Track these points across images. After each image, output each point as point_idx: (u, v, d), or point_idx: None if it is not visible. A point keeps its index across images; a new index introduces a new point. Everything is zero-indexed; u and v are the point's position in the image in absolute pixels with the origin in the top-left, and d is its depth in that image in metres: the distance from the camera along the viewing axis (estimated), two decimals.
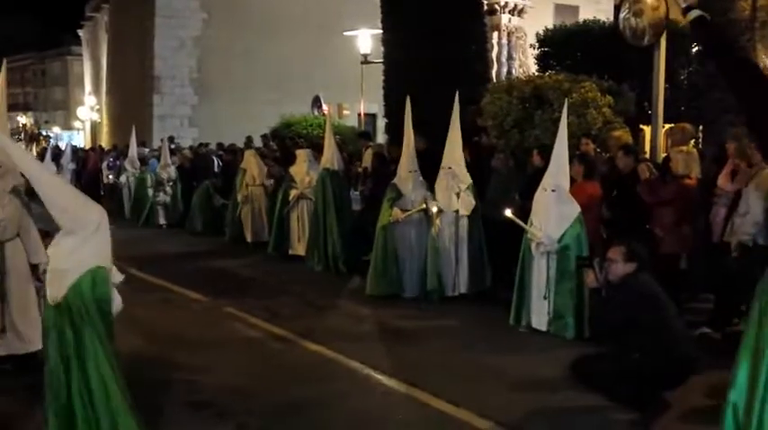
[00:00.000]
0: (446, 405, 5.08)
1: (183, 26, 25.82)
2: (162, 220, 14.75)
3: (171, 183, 14.67)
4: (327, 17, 24.53)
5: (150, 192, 15.17)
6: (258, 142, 15.41)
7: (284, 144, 13.42)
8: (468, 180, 8.21)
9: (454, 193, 8.10)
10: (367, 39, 17.93)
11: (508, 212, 6.90)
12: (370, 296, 8.23)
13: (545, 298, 6.83)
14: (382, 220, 8.26)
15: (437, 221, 8.01)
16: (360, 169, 10.60)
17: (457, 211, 8.10)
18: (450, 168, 8.11)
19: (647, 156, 8.80)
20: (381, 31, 13.85)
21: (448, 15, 12.21)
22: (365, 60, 17.82)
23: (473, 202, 8.20)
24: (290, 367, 6.03)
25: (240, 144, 15.35)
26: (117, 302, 3.89)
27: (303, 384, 5.58)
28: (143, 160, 16.56)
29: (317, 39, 24.89)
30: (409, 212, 8.19)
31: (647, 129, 10.03)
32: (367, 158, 10.57)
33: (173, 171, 14.79)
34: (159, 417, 4.84)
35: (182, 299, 8.57)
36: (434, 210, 7.97)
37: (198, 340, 6.77)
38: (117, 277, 3.94)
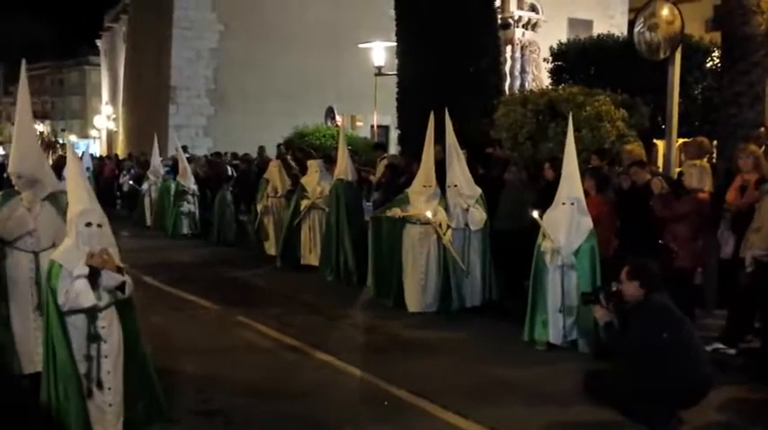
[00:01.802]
0: (455, 417, 5.06)
1: (200, 38, 26.08)
2: (186, 230, 14.58)
3: (192, 193, 14.53)
4: (343, 29, 24.70)
5: (172, 200, 15.00)
6: (271, 152, 15.47)
7: (295, 155, 13.46)
8: (477, 191, 8.22)
9: (462, 209, 8.12)
10: (381, 51, 18.03)
11: (535, 214, 6.86)
12: (385, 307, 8.21)
13: (560, 311, 6.78)
14: (380, 214, 8.40)
15: (447, 234, 8.01)
16: (372, 178, 10.63)
17: (466, 226, 8.11)
18: (455, 186, 8.16)
19: (660, 170, 8.77)
20: (395, 44, 13.92)
21: (462, 28, 12.27)
22: (379, 72, 17.90)
23: (483, 216, 8.20)
24: (299, 377, 6.02)
25: (254, 154, 15.44)
26: (81, 297, 4.03)
27: (313, 394, 5.58)
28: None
29: (332, 50, 25.05)
30: (408, 214, 8.18)
31: (660, 144, 10.01)
32: (381, 169, 10.60)
33: (192, 180, 14.66)
34: (169, 425, 4.86)
35: (194, 307, 8.59)
36: (428, 214, 7.95)
37: (209, 348, 6.79)
38: (110, 281, 4.10)
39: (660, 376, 4.78)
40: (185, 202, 14.51)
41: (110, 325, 4.18)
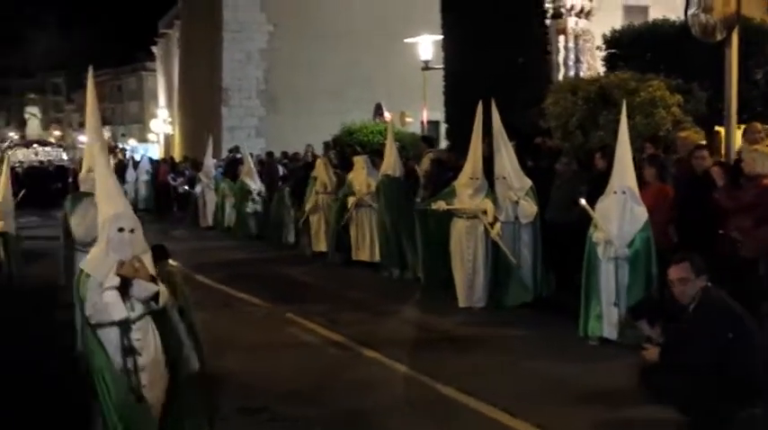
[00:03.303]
0: (503, 415, 4.93)
1: (250, 39, 26.35)
2: (253, 230, 14.34)
3: (258, 192, 14.30)
4: (391, 24, 24.56)
5: (230, 201, 15.02)
6: (320, 151, 15.49)
7: (343, 152, 13.42)
8: (528, 183, 8.02)
9: (511, 202, 7.94)
10: (428, 45, 17.84)
11: (583, 201, 6.65)
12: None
13: (615, 305, 6.53)
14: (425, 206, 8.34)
15: (496, 228, 7.84)
16: (418, 168, 10.52)
17: (516, 219, 7.92)
18: (504, 178, 7.99)
19: (723, 158, 8.38)
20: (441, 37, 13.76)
21: (509, 18, 12.01)
22: (426, 66, 17.72)
23: (533, 208, 8.00)
24: (346, 374, 5.98)
25: (303, 153, 15.48)
26: (111, 309, 3.77)
27: (358, 391, 5.52)
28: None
29: (381, 46, 24.96)
30: (454, 207, 8.05)
31: (723, 131, 9.57)
32: (425, 163, 10.49)
33: (258, 180, 14.44)
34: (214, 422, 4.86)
35: (243, 304, 8.67)
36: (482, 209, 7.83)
37: (256, 345, 6.81)
38: (142, 292, 3.81)
39: (720, 375, 4.52)
40: (251, 202, 14.34)
41: (145, 336, 3.86)
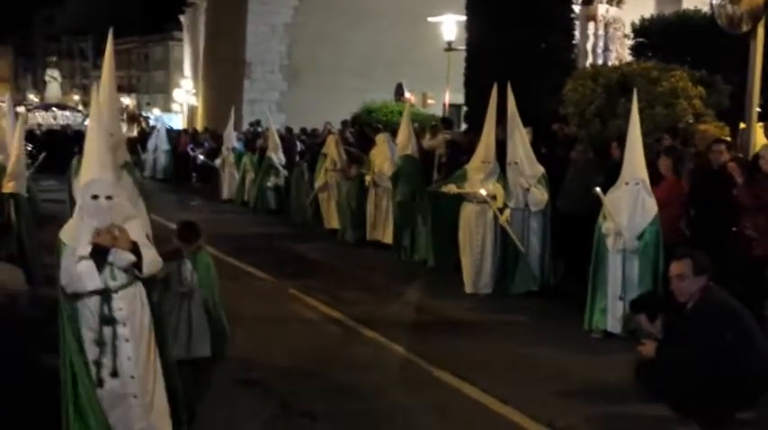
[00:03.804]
0: (494, 401, 4.90)
1: (276, 13, 26.24)
2: (273, 204, 14.15)
3: (283, 165, 14.01)
4: (417, 3, 24.28)
5: (250, 175, 14.88)
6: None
7: (362, 130, 13.33)
8: (540, 171, 7.91)
9: (522, 189, 7.84)
10: (452, 25, 17.58)
11: (598, 190, 6.53)
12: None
13: (620, 299, 6.44)
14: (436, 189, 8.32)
15: (506, 214, 7.75)
16: (426, 142, 10.40)
17: (526, 206, 7.83)
18: (516, 163, 7.88)
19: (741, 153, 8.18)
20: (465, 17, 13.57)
21: (533, 1, 11.80)
22: (449, 47, 17.50)
23: (544, 197, 7.89)
24: (342, 352, 5.98)
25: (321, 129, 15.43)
26: (85, 279, 3.63)
27: (353, 369, 5.52)
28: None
29: (405, 26, 24.72)
30: (464, 190, 7.96)
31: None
32: (439, 141, 10.38)
33: (282, 155, 14.15)
34: (208, 392, 4.90)
35: (250, 278, 8.68)
36: (483, 193, 7.72)
37: (257, 319, 6.81)
38: (120, 260, 3.65)
39: (718, 375, 4.42)
40: (273, 177, 14.11)
41: (129, 306, 3.68)
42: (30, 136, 18.63)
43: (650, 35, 13.00)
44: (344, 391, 5.08)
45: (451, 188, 8.07)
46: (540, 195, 7.89)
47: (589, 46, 25.89)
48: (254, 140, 16.87)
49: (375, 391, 5.09)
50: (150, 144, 21.60)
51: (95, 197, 3.67)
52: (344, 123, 15.07)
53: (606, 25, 26.16)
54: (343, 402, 4.92)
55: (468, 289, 7.96)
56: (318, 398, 4.97)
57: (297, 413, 4.75)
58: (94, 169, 3.72)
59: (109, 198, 3.68)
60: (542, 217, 7.97)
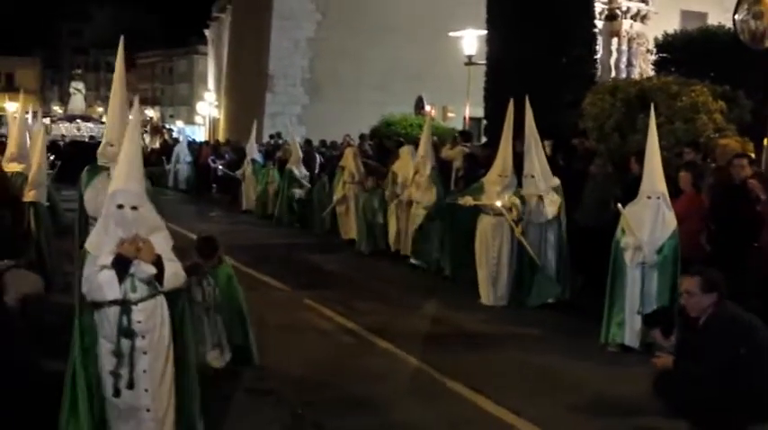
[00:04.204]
0: (507, 414, 4.85)
1: (299, 27, 26.50)
2: (296, 217, 14.06)
3: (306, 179, 14.00)
4: (438, 18, 24.39)
5: (273, 187, 14.84)
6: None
7: (381, 143, 13.36)
8: (555, 182, 7.89)
9: (536, 199, 7.83)
10: (473, 39, 17.62)
11: (619, 205, 6.49)
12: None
13: (639, 313, 6.36)
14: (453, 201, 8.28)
15: (521, 227, 7.73)
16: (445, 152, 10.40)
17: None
18: (532, 176, 7.88)
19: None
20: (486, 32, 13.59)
21: (555, 16, 11.78)
22: (469, 61, 17.52)
23: (555, 208, 7.86)
24: (355, 362, 5.97)
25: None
26: (105, 289, 3.61)
27: (366, 380, 5.50)
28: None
29: (425, 40, 24.83)
30: (481, 202, 7.96)
31: None
32: (456, 153, 10.38)
33: (303, 168, 14.15)
34: (220, 401, 4.87)
35: (266, 288, 8.70)
36: (498, 204, 7.72)
37: (271, 328, 6.80)
38: (141, 272, 3.63)
39: (731, 389, 4.36)
40: (297, 189, 14.06)
41: (149, 319, 3.64)
42: (53, 146, 18.92)
43: (674, 51, 12.93)
44: (357, 402, 5.06)
45: (468, 200, 8.07)
46: (550, 205, 7.85)
47: (612, 61, 25.88)
48: (274, 152, 16.98)
49: (388, 402, 5.06)
50: (173, 156, 21.87)
51: (120, 206, 3.66)
52: (362, 137, 15.10)
53: (630, 40, 26.12)
54: (356, 414, 4.90)
55: (484, 301, 7.94)
56: (331, 409, 4.95)
57: (308, 424, 4.73)
58: (121, 178, 3.75)
59: (134, 208, 3.67)
60: (558, 230, 7.92)
